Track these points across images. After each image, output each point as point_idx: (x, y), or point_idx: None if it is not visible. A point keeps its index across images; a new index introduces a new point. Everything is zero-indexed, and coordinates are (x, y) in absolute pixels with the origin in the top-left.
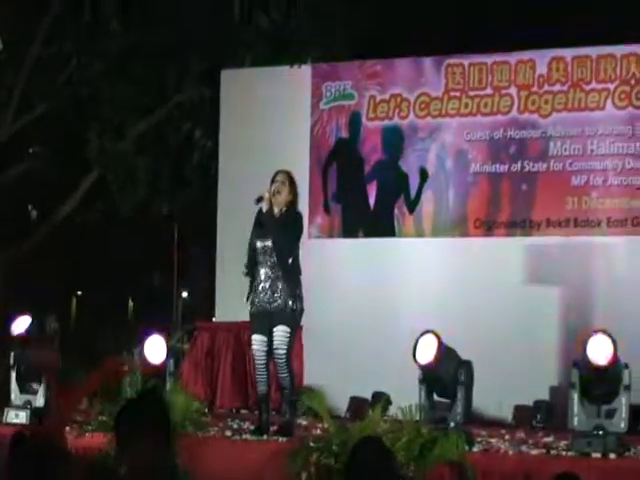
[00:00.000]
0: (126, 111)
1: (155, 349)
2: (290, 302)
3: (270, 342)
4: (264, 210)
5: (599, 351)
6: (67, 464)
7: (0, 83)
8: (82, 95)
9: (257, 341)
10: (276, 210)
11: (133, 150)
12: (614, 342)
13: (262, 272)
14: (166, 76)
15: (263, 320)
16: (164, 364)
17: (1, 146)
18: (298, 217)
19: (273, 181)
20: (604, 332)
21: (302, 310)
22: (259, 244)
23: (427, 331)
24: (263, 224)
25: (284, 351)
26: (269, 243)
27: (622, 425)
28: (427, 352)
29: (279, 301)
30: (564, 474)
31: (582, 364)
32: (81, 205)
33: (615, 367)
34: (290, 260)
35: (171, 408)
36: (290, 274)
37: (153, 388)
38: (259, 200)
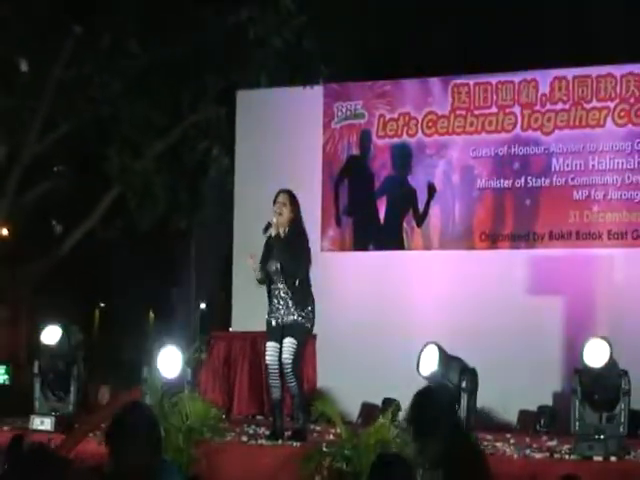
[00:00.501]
0: (145, 130)
1: (170, 360)
2: (300, 318)
3: (281, 351)
4: (273, 234)
5: (595, 355)
6: (62, 469)
7: (24, 105)
8: (102, 115)
9: (270, 348)
10: (280, 231)
11: (151, 168)
12: (610, 346)
13: (275, 291)
14: (183, 96)
15: (276, 331)
16: (181, 374)
17: (26, 165)
18: (301, 232)
19: (275, 202)
20: (601, 337)
21: (312, 324)
22: (270, 267)
23: (429, 343)
24: (272, 247)
25: (290, 361)
26: (278, 265)
27: (621, 429)
28: (430, 364)
29: (290, 317)
30: (567, 476)
31: (583, 370)
32: (102, 221)
33: (613, 373)
34: (298, 280)
35: (189, 415)
36: (299, 292)
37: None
38: (267, 228)
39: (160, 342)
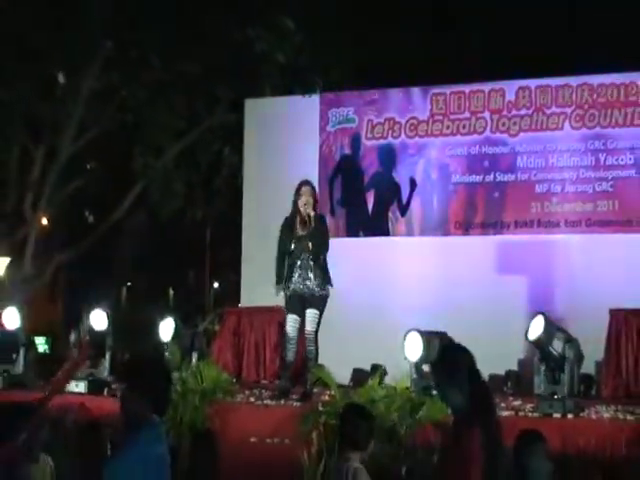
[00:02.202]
0: (165, 133)
1: (168, 328)
2: (321, 290)
3: (302, 321)
4: (301, 215)
5: (534, 330)
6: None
7: (61, 111)
8: (129, 120)
9: (292, 320)
10: (308, 215)
11: (171, 166)
12: (546, 321)
13: (300, 265)
14: (199, 104)
15: (297, 303)
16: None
17: (63, 164)
18: (323, 216)
19: (299, 191)
20: (540, 313)
21: (328, 296)
22: (299, 244)
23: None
24: (302, 228)
25: (313, 330)
26: (309, 244)
27: (566, 390)
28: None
29: (314, 289)
30: (527, 430)
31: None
32: (128, 212)
33: (551, 343)
34: (322, 257)
35: (204, 379)
36: (322, 268)
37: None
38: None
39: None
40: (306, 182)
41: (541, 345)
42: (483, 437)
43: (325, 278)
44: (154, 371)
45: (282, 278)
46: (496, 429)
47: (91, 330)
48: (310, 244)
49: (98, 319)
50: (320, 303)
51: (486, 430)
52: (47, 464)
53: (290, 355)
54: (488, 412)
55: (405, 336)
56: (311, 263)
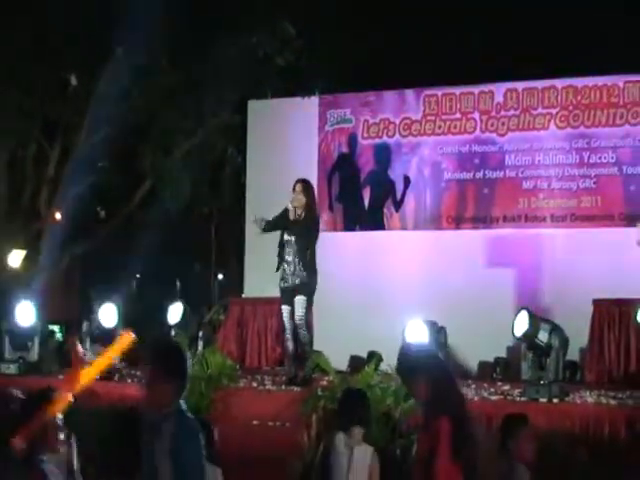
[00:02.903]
0: (173, 133)
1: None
2: (306, 279)
3: (293, 309)
4: (290, 215)
5: (519, 325)
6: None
7: (75, 112)
8: (139, 120)
9: (285, 310)
10: (298, 211)
11: (179, 164)
12: (531, 316)
13: (288, 259)
14: (205, 105)
15: (288, 294)
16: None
17: (76, 161)
18: (312, 213)
19: (294, 189)
20: (525, 309)
21: (315, 285)
22: (285, 238)
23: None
24: (288, 221)
25: (302, 314)
26: (293, 238)
27: (551, 376)
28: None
29: (298, 279)
30: (512, 414)
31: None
32: (138, 207)
33: (537, 335)
34: (308, 251)
35: (209, 366)
36: (308, 260)
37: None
38: (260, 220)
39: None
40: (299, 180)
41: (528, 338)
42: (452, 424)
43: (311, 269)
44: (182, 356)
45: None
46: (463, 416)
47: (99, 324)
48: (294, 238)
49: (108, 314)
50: (306, 290)
51: (454, 418)
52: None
53: (290, 344)
54: (453, 401)
55: (516, 314)
56: (296, 256)
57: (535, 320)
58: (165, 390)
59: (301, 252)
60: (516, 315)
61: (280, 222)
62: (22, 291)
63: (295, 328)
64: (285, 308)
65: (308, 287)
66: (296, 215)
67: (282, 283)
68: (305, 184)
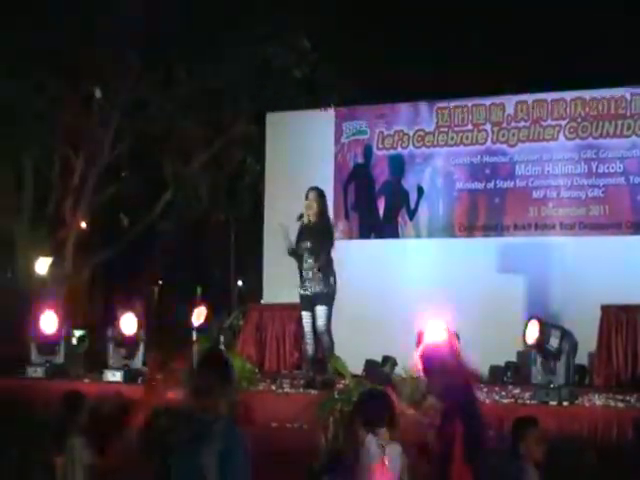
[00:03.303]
0: (193, 143)
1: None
2: (326, 288)
3: (314, 317)
4: (304, 222)
5: (530, 334)
6: None
7: (99, 124)
8: (159, 132)
9: (305, 316)
10: (311, 220)
11: (198, 174)
12: (541, 324)
13: (306, 267)
14: (224, 116)
15: (308, 301)
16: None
17: (100, 172)
18: (326, 221)
19: (307, 197)
20: (536, 318)
21: (335, 292)
22: (301, 247)
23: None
24: (303, 232)
25: (324, 323)
26: (308, 245)
27: (561, 380)
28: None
29: (318, 287)
30: (523, 417)
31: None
32: (159, 216)
33: (548, 342)
34: (323, 258)
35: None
36: (324, 267)
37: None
38: (300, 217)
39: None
40: (311, 188)
41: (539, 346)
42: (465, 426)
43: (327, 276)
44: (232, 367)
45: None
46: (476, 419)
47: (121, 331)
48: (309, 245)
49: (128, 323)
50: (326, 299)
51: (467, 420)
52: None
53: (309, 348)
54: (467, 405)
55: (527, 322)
56: (312, 264)
57: (546, 328)
58: (220, 399)
59: (316, 258)
60: (526, 324)
61: (297, 238)
62: (48, 297)
63: (316, 334)
64: (305, 314)
65: (327, 296)
66: (309, 222)
67: (301, 290)
68: (317, 192)
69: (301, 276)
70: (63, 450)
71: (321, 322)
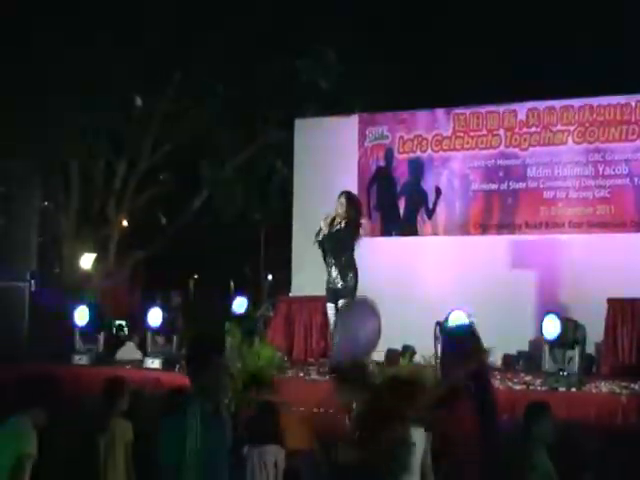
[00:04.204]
0: (226, 149)
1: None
2: (344, 284)
3: (337, 309)
4: (333, 220)
5: (550, 329)
6: None
7: (140, 130)
8: (196, 138)
9: (330, 308)
10: (338, 221)
11: (232, 176)
12: (560, 320)
13: (330, 264)
14: (256, 123)
15: (331, 294)
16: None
17: (141, 174)
18: (350, 223)
19: (338, 199)
20: (555, 314)
21: (354, 286)
22: (327, 245)
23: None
24: (331, 230)
25: None
26: (333, 243)
27: (575, 368)
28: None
29: (339, 284)
30: (535, 401)
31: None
32: (196, 215)
33: (568, 333)
34: (343, 257)
35: (261, 357)
36: (345, 266)
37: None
38: (329, 220)
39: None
40: (342, 192)
41: (558, 339)
42: (476, 408)
43: (350, 270)
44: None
45: None
46: (490, 402)
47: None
48: (334, 245)
49: (154, 317)
50: (347, 293)
51: (480, 402)
52: (128, 429)
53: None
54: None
55: (544, 318)
56: (334, 261)
57: (564, 322)
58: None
59: (340, 257)
60: (544, 319)
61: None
62: (91, 289)
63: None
64: (330, 306)
65: (348, 290)
66: (337, 223)
67: (327, 284)
68: (345, 195)
69: (327, 272)
70: (106, 430)
71: None
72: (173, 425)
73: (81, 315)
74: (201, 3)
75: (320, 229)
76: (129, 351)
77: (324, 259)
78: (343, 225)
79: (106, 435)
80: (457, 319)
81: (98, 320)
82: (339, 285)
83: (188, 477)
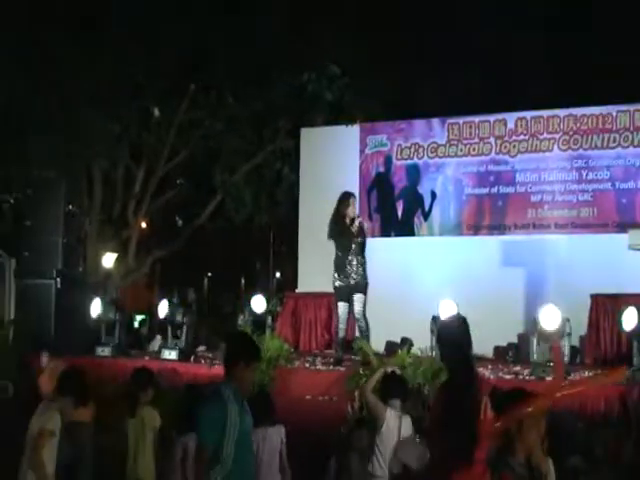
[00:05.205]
0: (238, 156)
1: (258, 304)
2: (364, 279)
3: (351, 305)
4: (352, 221)
5: (549, 319)
6: None
7: (157, 139)
8: (209, 146)
9: (341, 306)
10: (356, 221)
11: (242, 182)
12: (559, 310)
13: (352, 261)
14: (264, 132)
15: (345, 291)
16: (263, 316)
17: (159, 179)
18: (363, 226)
19: (351, 203)
20: (554, 304)
21: (368, 282)
22: (351, 243)
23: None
24: (344, 230)
25: (360, 308)
26: (354, 242)
27: (564, 359)
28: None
29: (359, 279)
30: (513, 389)
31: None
32: (209, 217)
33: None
34: (364, 254)
35: (269, 348)
36: (364, 261)
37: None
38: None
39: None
40: (350, 195)
41: (555, 330)
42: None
43: (365, 270)
44: None
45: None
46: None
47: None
48: (356, 243)
49: (163, 308)
50: (364, 288)
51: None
52: (155, 416)
53: (341, 333)
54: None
55: (439, 304)
56: (359, 258)
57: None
58: None
59: (361, 255)
60: (541, 309)
61: (341, 230)
62: (112, 287)
63: (352, 320)
64: (341, 304)
65: (365, 286)
66: (356, 223)
67: (338, 281)
68: (355, 197)
69: (341, 269)
70: (134, 416)
71: (359, 308)
72: (214, 408)
73: (103, 310)
74: (214, 22)
75: (347, 226)
76: (158, 343)
77: (342, 256)
78: (357, 223)
79: (136, 422)
80: (446, 307)
81: (119, 315)
82: (357, 281)
83: (227, 455)
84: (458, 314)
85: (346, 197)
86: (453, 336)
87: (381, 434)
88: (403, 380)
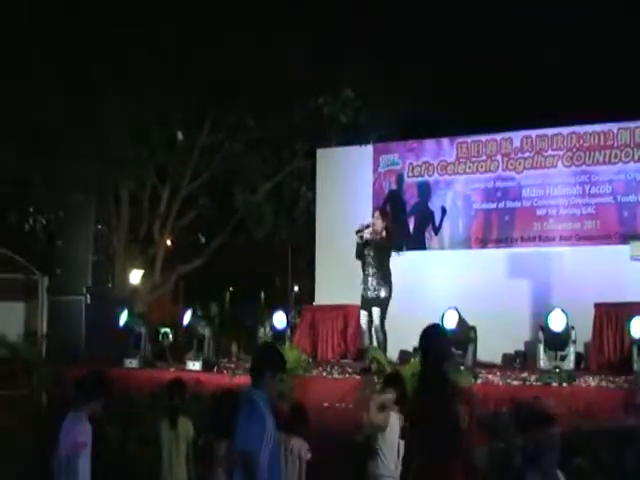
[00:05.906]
0: (257, 176)
1: (280, 319)
2: (384, 293)
3: (371, 316)
4: (369, 236)
5: (557, 322)
6: None
7: (181, 160)
8: (231, 167)
9: (363, 315)
10: (377, 234)
11: (262, 200)
12: (566, 315)
13: (370, 273)
14: (282, 153)
15: (367, 302)
16: (284, 330)
17: (184, 199)
18: (388, 236)
19: (373, 215)
20: (561, 309)
21: (390, 296)
22: (367, 257)
23: (450, 308)
24: (370, 243)
25: (378, 322)
26: (371, 255)
27: (570, 365)
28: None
29: (378, 291)
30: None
31: (545, 328)
32: (231, 235)
33: (564, 331)
34: (384, 267)
35: (288, 359)
36: (386, 275)
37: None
38: (359, 231)
39: (271, 311)
40: (377, 208)
41: (562, 335)
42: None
43: (387, 281)
44: None
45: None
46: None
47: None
48: (373, 255)
49: (186, 318)
50: (383, 303)
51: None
52: (190, 427)
53: (365, 342)
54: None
55: (444, 313)
56: (376, 271)
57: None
58: None
59: (379, 267)
60: (550, 313)
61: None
62: (139, 302)
63: (371, 332)
64: (363, 313)
65: (385, 300)
66: (375, 236)
67: (364, 292)
68: (382, 211)
69: (363, 280)
70: (175, 427)
71: (377, 322)
72: (254, 418)
73: (130, 323)
74: (240, 53)
75: (362, 234)
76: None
77: (364, 269)
78: (381, 236)
79: (172, 432)
80: (450, 317)
81: (145, 328)
82: (376, 295)
83: (263, 465)
84: (439, 325)
85: (373, 211)
86: (434, 351)
87: (384, 435)
88: (399, 376)
